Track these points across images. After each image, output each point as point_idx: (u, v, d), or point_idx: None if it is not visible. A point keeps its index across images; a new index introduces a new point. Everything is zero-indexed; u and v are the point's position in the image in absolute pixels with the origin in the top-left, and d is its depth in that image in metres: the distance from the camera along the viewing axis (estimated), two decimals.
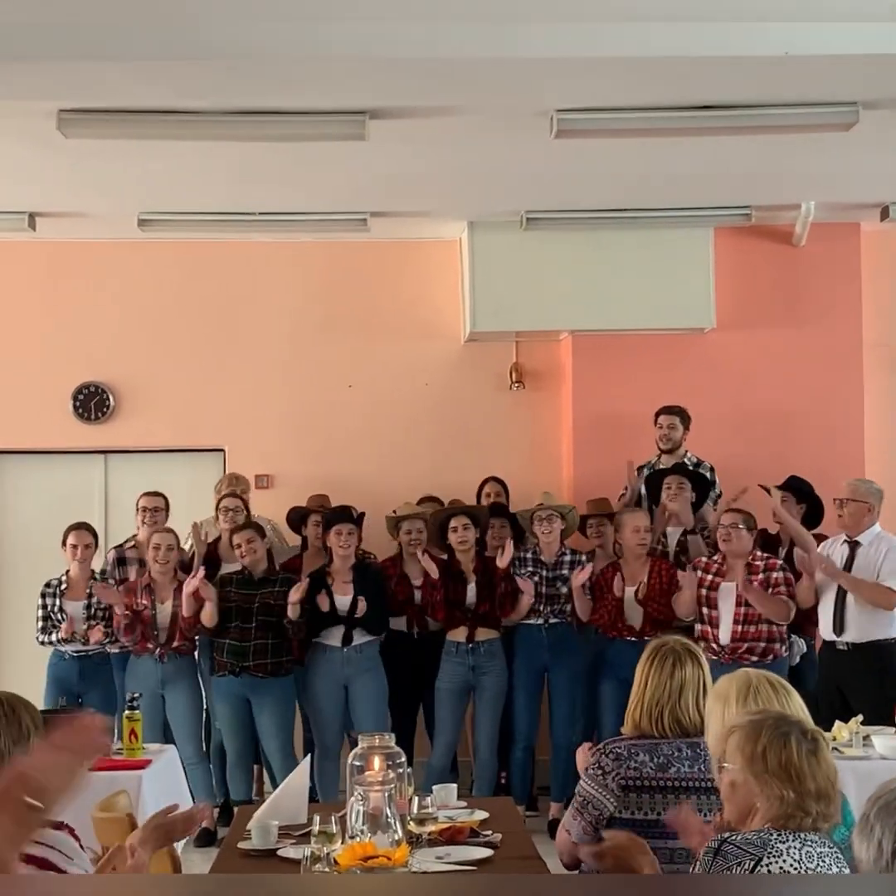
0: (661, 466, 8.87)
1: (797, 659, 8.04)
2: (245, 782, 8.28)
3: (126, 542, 8.84)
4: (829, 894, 2.29)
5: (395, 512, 8.78)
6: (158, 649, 8.12)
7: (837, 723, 6.43)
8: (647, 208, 9.10)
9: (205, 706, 8.46)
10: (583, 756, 4.60)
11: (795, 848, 3.27)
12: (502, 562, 8.21)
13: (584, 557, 8.48)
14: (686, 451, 8.98)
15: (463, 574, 8.34)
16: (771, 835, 3.29)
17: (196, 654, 8.36)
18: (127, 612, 8.06)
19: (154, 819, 4.00)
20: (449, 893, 2.18)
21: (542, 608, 8.36)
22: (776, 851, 3.25)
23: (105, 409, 9.82)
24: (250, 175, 8.31)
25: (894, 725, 6.47)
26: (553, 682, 8.43)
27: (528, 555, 8.49)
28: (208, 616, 8.02)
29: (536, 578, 8.35)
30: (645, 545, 8.20)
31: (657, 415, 8.97)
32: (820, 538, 8.02)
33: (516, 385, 9.87)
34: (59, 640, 8.14)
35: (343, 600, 8.18)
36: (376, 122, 7.04)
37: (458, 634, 8.30)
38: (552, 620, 8.38)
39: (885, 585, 7.42)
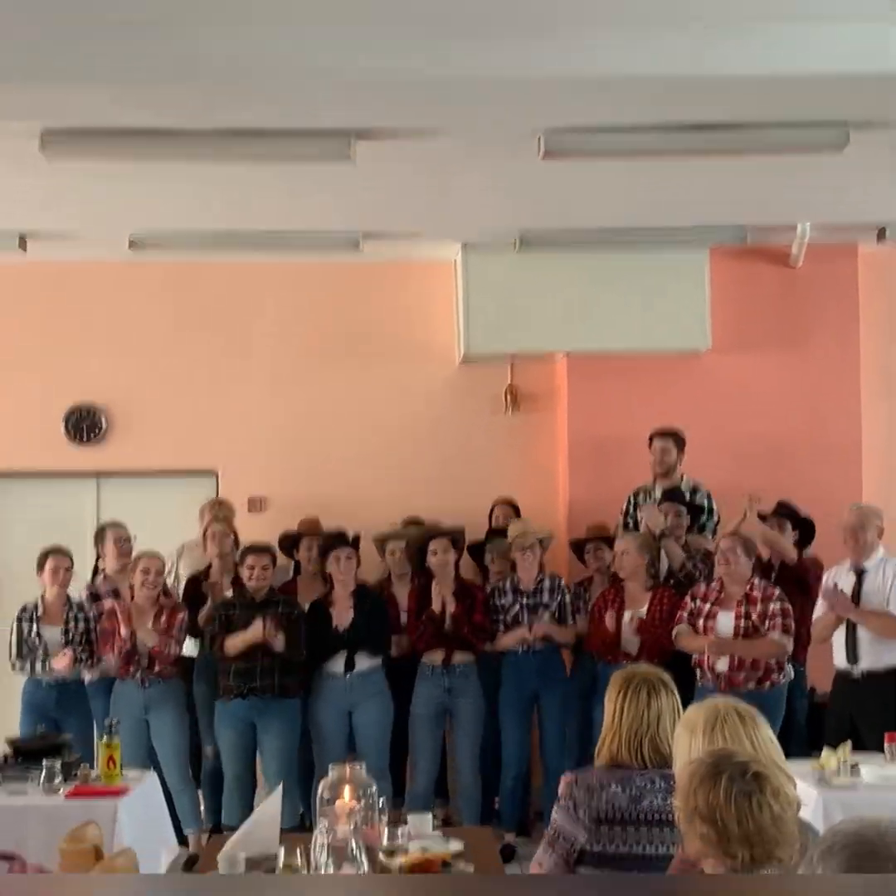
0: (656, 491, 8.78)
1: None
2: (241, 808, 8.17)
3: (94, 577, 8.67)
4: (830, 894, 2.25)
5: (356, 535, 8.72)
6: (139, 674, 8.04)
7: (825, 750, 6.33)
8: (642, 228, 9.03)
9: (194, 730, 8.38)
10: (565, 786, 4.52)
11: None
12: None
13: (560, 580, 8.44)
14: (682, 475, 8.89)
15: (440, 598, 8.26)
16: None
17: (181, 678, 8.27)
18: (124, 642, 7.99)
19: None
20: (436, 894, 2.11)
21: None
22: None
23: (97, 431, 9.77)
24: (241, 195, 8.26)
25: (883, 753, 6.35)
26: (543, 707, 8.35)
27: (508, 585, 8.42)
28: (235, 646, 7.96)
29: (517, 607, 8.29)
30: (623, 569, 8.13)
31: (651, 438, 8.89)
32: (812, 561, 7.93)
33: (512, 407, 9.80)
34: (45, 669, 8.02)
35: (344, 624, 8.11)
36: (363, 143, 6.98)
37: (435, 657, 8.23)
38: (537, 647, 8.30)
39: (893, 616, 7.30)
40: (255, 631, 7.91)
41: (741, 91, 6.39)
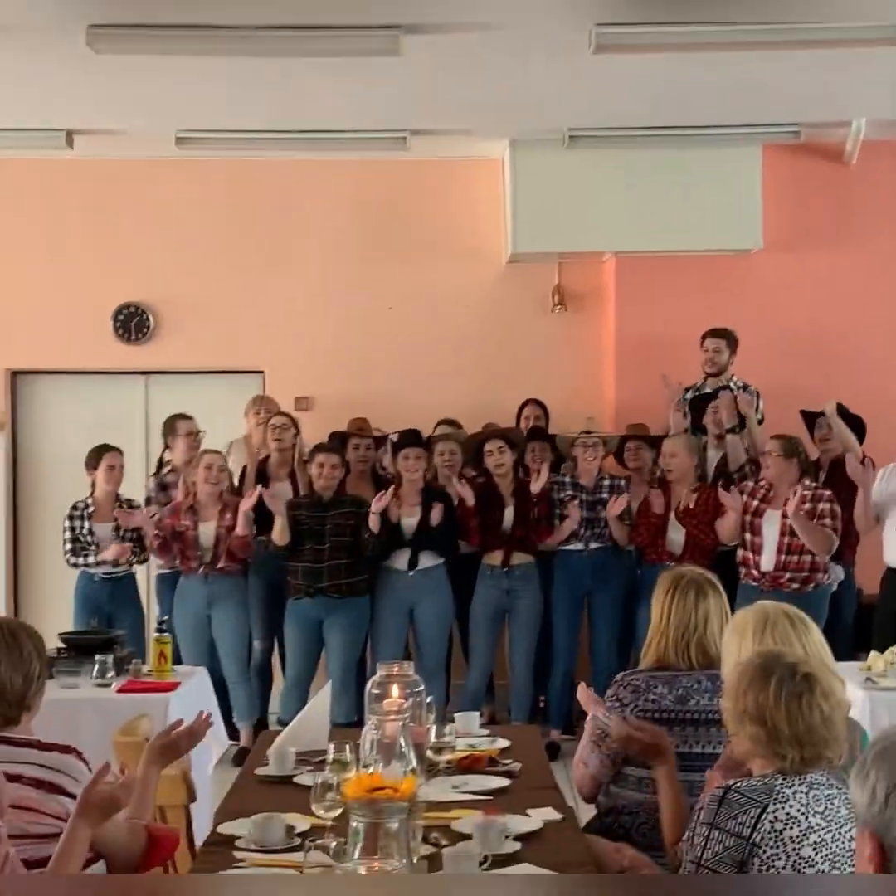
0: (706, 390, 8.74)
1: (835, 586, 7.93)
2: (298, 705, 8.26)
3: (161, 468, 8.78)
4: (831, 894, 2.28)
5: (430, 435, 8.73)
6: (202, 569, 8.13)
7: (873, 652, 6.33)
8: (694, 126, 8.88)
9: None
10: (584, 693, 4.53)
11: (802, 792, 3.21)
12: (536, 486, 8.15)
13: (622, 482, 8.40)
14: (732, 375, 8.83)
15: (500, 497, 8.28)
16: (776, 779, 3.23)
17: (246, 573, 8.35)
18: (157, 533, 8.06)
19: (157, 739, 4.00)
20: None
21: (582, 532, 8.29)
22: (782, 796, 3.19)
23: (146, 330, 9.79)
24: (289, 91, 8.19)
25: None
26: (595, 607, 8.38)
27: (567, 479, 8.41)
28: (279, 533, 8.01)
29: (576, 502, 8.27)
30: (672, 471, 8.12)
31: (703, 338, 8.83)
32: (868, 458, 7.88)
33: (558, 307, 9.74)
34: (97, 563, 8.15)
35: (410, 523, 8.14)
36: (411, 38, 6.89)
37: (494, 558, 8.26)
38: (593, 545, 8.31)
39: None
40: (283, 513, 7.97)
41: None
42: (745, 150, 9.20)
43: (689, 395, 8.78)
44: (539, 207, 9.33)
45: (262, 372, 9.82)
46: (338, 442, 8.75)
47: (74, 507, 8.29)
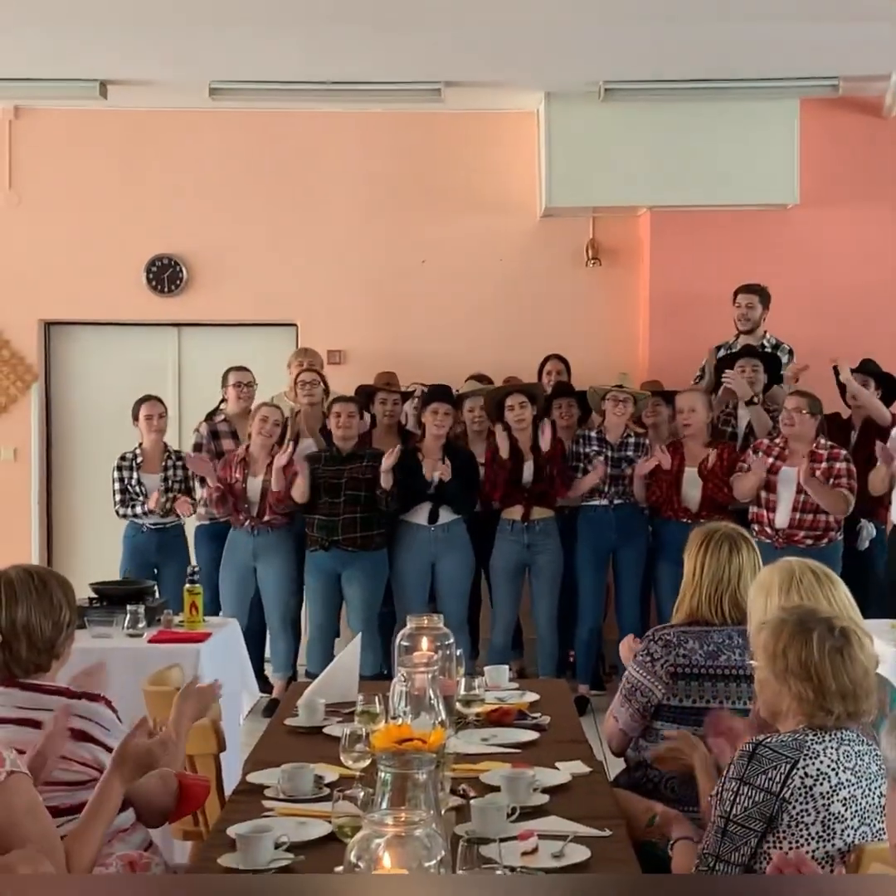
0: (738, 348, 8.67)
1: (867, 543, 7.90)
2: (323, 656, 8.31)
3: (213, 415, 8.79)
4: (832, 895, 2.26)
5: (458, 391, 8.70)
6: (248, 522, 8.16)
7: None
8: (730, 79, 8.81)
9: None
10: (627, 647, 4.54)
11: (832, 748, 3.19)
12: (544, 443, 8.11)
13: (647, 440, 8.36)
14: (765, 332, 8.77)
15: (520, 452, 8.24)
16: (806, 735, 3.21)
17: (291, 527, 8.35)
18: (218, 486, 8.09)
19: (183, 694, 4.01)
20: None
21: (607, 489, 8.25)
22: (812, 752, 3.17)
23: (178, 282, 9.79)
24: (322, 43, 8.15)
25: None
26: (620, 562, 8.36)
27: (593, 434, 8.37)
28: (300, 492, 8.02)
29: (601, 457, 8.24)
30: (690, 426, 8.06)
31: (736, 294, 8.76)
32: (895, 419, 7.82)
33: (592, 261, 9.69)
34: (145, 512, 8.18)
35: (433, 478, 8.13)
36: None
37: (514, 513, 8.24)
38: (617, 501, 8.28)
39: None
40: (306, 473, 7.99)
41: None
42: (782, 104, 9.13)
43: (722, 352, 8.72)
44: (574, 161, 9.28)
45: (294, 324, 9.81)
46: (364, 395, 8.74)
47: (123, 458, 8.32)
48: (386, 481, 7.94)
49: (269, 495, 8.10)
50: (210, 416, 8.76)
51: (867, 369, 8.22)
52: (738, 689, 4.22)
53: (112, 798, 3.35)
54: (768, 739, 3.23)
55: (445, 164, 9.73)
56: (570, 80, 8.92)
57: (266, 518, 8.16)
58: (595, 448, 8.28)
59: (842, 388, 8.22)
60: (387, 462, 7.92)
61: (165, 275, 9.77)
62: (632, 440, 8.33)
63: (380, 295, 9.73)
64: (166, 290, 9.77)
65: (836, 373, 8.17)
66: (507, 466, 8.12)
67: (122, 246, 9.70)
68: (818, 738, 3.21)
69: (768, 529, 7.57)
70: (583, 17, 7.54)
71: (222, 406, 8.81)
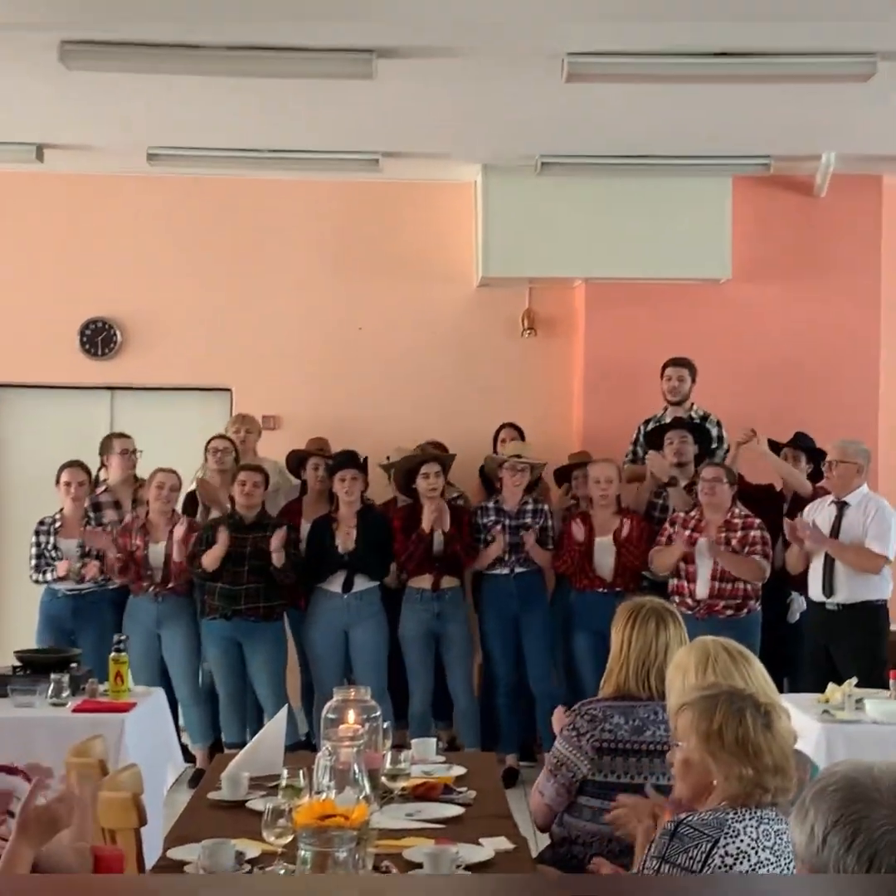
0: (667, 420, 8.75)
1: (797, 615, 7.96)
2: (237, 724, 8.24)
3: (95, 487, 8.59)
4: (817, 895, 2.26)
5: (387, 458, 8.70)
6: (152, 589, 8.08)
7: (831, 685, 6.35)
8: (665, 155, 8.92)
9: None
10: (559, 718, 4.55)
11: (752, 826, 3.20)
12: (444, 524, 8.14)
13: (546, 507, 8.41)
14: (692, 404, 8.85)
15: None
16: (727, 814, 3.22)
17: (194, 594, 8.30)
18: (119, 556, 8.02)
19: (26, 812, 3.30)
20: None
21: (507, 558, 8.28)
22: (733, 831, 3.18)
23: (112, 345, 9.74)
24: (261, 111, 8.18)
25: (887, 689, 6.35)
26: (524, 631, 8.33)
27: (491, 504, 8.41)
28: (212, 560, 7.94)
29: (499, 527, 8.27)
30: (605, 496, 8.15)
31: (664, 367, 8.83)
32: (825, 493, 7.90)
33: (528, 332, 9.75)
34: (54, 579, 8.09)
35: (347, 546, 8.12)
36: (385, 62, 6.90)
37: (423, 582, 8.24)
38: (519, 569, 8.30)
39: (869, 550, 7.31)
40: (225, 542, 7.89)
41: (768, 18, 6.29)
42: (715, 181, 9.26)
43: (651, 425, 8.78)
44: (510, 232, 9.35)
45: (229, 389, 9.79)
46: (296, 460, 8.71)
47: (41, 523, 8.24)
48: (278, 560, 7.90)
49: (171, 564, 8.04)
50: (92, 489, 8.55)
51: (799, 444, 8.33)
52: (663, 765, 4.22)
53: (19, 865, 3.20)
54: (690, 818, 3.23)
55: (383, 233, 9.78)
56: (507, 153, 9.00)
57: (170, 585, 8.09)
58: (492, 518, 8.31)
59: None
60: (275, 542, 7.89)
61: (99, 338, 9.72)
62: (529, 508, 8.36)
63: (316, 361, 9.73)
64: (100, 353, 9.72)
65: (770, 444, 8.27)
66: (427, 539, 8.13)
67: (56, 308, 9.65)
68: (738, 816, 3.21)
69: (689, 600, 7.63)
70: (519, 92, 7.62)
71: (102, 474, 8.69)
